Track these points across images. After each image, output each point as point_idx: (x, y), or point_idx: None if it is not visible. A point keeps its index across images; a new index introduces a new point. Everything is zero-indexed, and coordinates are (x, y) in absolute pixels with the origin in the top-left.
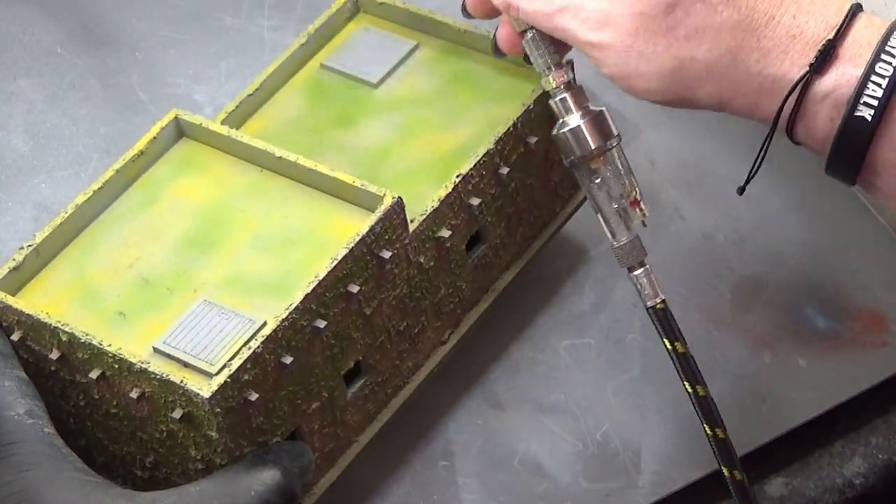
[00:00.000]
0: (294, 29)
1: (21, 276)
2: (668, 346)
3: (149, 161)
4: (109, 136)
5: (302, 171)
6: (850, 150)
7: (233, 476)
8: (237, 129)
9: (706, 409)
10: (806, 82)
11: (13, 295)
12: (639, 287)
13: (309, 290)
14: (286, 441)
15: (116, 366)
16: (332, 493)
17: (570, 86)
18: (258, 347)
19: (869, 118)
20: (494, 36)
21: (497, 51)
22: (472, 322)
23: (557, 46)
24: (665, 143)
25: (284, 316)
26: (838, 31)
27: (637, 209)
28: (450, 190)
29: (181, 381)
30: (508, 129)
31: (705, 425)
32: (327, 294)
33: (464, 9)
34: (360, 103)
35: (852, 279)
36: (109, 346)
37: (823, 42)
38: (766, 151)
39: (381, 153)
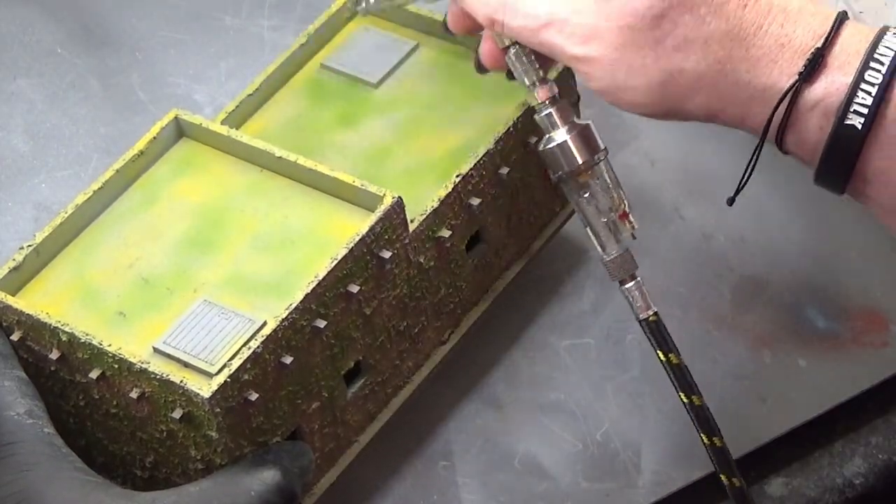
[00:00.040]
0: (294, 29)
1: (21, 276)
2: (663, 358)
3: (149, 161)
4: (109, 136)
5: (302, 171)
6: (841, 158)
7: (233, 476)
8: (237, 129)
9: (702, 418)
10: (795, 91)
11: (13, 295)
12: (631, 300)
13: (309, 289)
14: (286, 441)
15: (116, 366)
16: (332, 493)
17: (556, 100)
18: (258, 347)
19: (859, 126)
20: (477, 53)
21: (480, 67)
22: (472, 322)
23: (541, 61)
24: (665, 143)
25: (284, 316)
26: (826, 39)
27: (626, 222)
28: (450, 190)
29: (181, 381)
30: (508, 129)
31: (702, 434)
32: (327, 294)
33: (444, 26)
34: (360, 103)
35: (852, 279)
36: (109, 346)
37: (812, 50)
38: (756, 161)
39: (381, 153)
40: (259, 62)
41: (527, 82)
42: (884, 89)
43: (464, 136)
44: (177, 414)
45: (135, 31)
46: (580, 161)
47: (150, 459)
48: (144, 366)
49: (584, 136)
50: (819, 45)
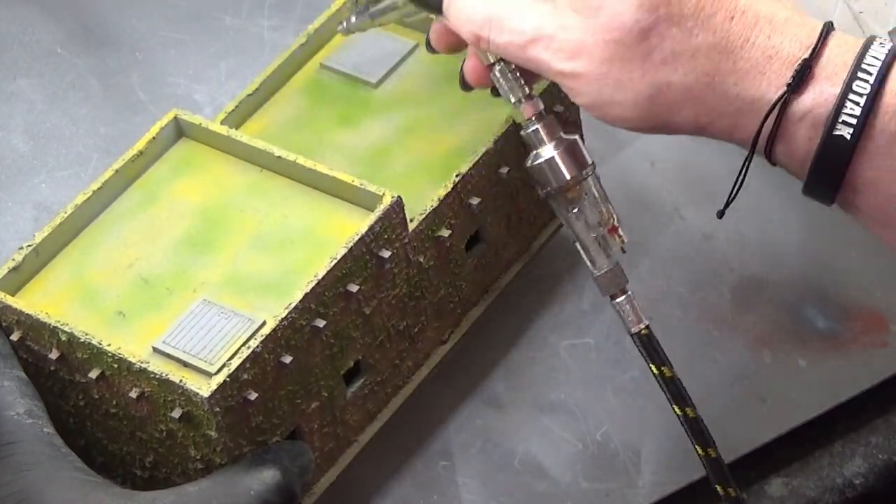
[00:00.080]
0: (294, 29)
1: (20, 276)
2: (655, 371)
3: (148, 161)
4: (109, 136)
5: (301, 170)
6: (830, 168)
7: (232, 475)
8: (237, 129)
9: (696, 430)
10: (784, 102)
11: (13, 295)
12: (622, 314)
13: (308, 289)
14: (286, 440)
15: (116, 365)
16: (331, 493)
17: (542, 116)
18: (257, 347)
19: (848, 136)
20: (461, 70)
21: (464, 84)
22: (471, 322)
23: (526, 76)
24: (665, 143)
25: (284, 315)
26: (813, 50)
27: (615, 236)
28: (449, 189)
29: (180, 381)
30: (508, 128)
31: (697, 446)
32: (327, 293)
33: (428, 44)
34: (360, 103)
35: (852, 279)
36: (109, 345)
37: (800, 62)
38: (745, 174)
39: (380, 153)
40: (259, 62)
41: (512, 99)
42: (872, 99)
43: (463, 135)
44: (176, 413)
45: (135, 31)
46: (568, 177)
47: (150, 459)
48: (144, 365)
49: (572, 152)
50: (806, 55)
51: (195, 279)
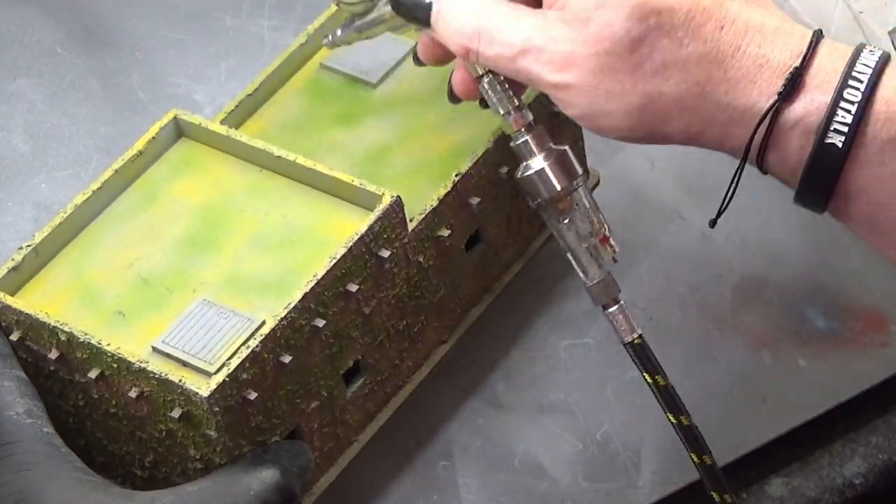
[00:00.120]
0: (294, 29)
1: (20, 276)
2: (649, 380)
3: (148, 161)
4: (109, 136)
5: (301, 170)
6: (822, 176)
7: (232, 475)
8: (237, 129)
9: (691, 437)
10: (775, 111)
11: (12, 295)
12: (615, 324)
13: (308, 289)
14: (285, 440)
15: (115, 365)
16: (331, 493)
17: (531, 127)
18: (257, 346)
19: (840, 144)
20: (450, 83)
21: (453, 97)
22: (471, 321)
23: (515, 88)
24: None
25: (283, 315)
26: (804, 58)
27: (607, 246)
28: (449, 189)
29: (180, 381)
30: None
31: (692, 454)
32: (326, 293)
33: (415, 57)
34: (360, 103)
35: (852, 279)
36: (108, 345)
37: (791, 70)
38: (737, 184)
39: (380, 153)
40: (259, 62)
41: (501, 111)
42: (863, 107)
43: (463, 135)
44: (176, 413)
45: (135, 31)
46: (559, 187)
47: (150, 459)
48: (143, 365)
49: (562, 162)
50: (797, 64)
51: (195, 279)
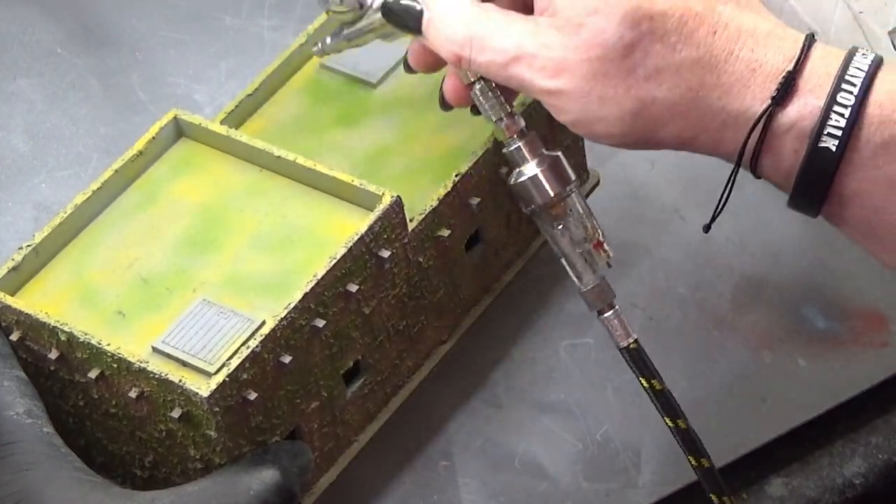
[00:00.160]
0: (294, 29)
1: (20, 276)
2: (645, 385)
3: (148, 161)
4: (109, 136)
5: (301, 170)
6: (816, 180)
7: (232, 475)
8: (237, 129)
9: (689, 441)
10: (769, 115)
11: (12, 295)
12: (610, 329)
13: (308, 289)
14: (285, 440)
15: (115, 365)
16: (331, 493)
17: (524, 134)
18: (257, 347)
19: (833, 148)
20: (441, 90)
21: (444, 104)
22: (471, 321)
23: (506, 94)
24: None
25: (283, 315)
26: (797, 62)
27: (601, 251)
28: (449, 189)
29: (180, 381)
30: None
31: (690, 457)
32: (326, 293)
33: (406, 64)
34: (360, 103)
35: (852, 279)
36: (108, 345)
37: (784, 74)
38: (731, 189)
39: (380, 153)
40: (259, 62)
41: (493, 118)
42: (856, 111)
43: (463, 135)
44: (176, 413)
45: (135, 31)
46: (552, 193)
47: (150, 459)
48: (143, 365)
49: (555, 168)
50: (790, 68)
51: (195, 279)
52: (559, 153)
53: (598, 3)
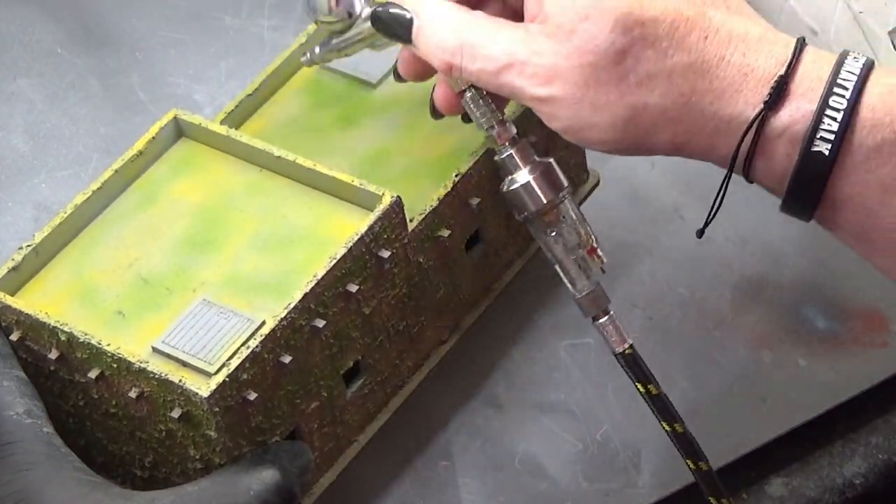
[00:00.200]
0: (294, 29)
1: (20, 276)
2: (641, 390)
3: (148, 161)
4: (109, 136)
5: (301, 170)
6: (809, 184)
7: (232, 476)
8: (237, 129)
9: (686, 444)
10: (761, 119)
11: (12, 295)
12: (605, 335)
13: (308, 289)
14: (285, 440)
15: (115, 365)
16: (331, 493)
17: (516, 141)
18: (257, 347)
19: (826, 152)
20: (431, 98)
21: (435, 112)
22: (471, 321)
23: (497, 102)
24: None
25: (283, 315)
26: (789, 66)
27: (595, 257)
28: (449, 189)
29: (180, 381)
30: None
31: (687, 460)
32: (326, 293)
33: (396, 73)
34: (360, 103)
35: (852, 279)
36: (108, 345)
37: (776, 78)
38: (724, 193)
39: (380, 153)
40: (259, 62)
41: (484, 125)
42: (849, 115)
43: (463, 135)
44: (176, 413)
45: (135, 31)
46: (545, 200)
47: (150, 459)
48: (143, 365)
49: (548, 175)
50: (782, 72)
51: (195, 279)
52: (551, 160)
53: (589, 9)
